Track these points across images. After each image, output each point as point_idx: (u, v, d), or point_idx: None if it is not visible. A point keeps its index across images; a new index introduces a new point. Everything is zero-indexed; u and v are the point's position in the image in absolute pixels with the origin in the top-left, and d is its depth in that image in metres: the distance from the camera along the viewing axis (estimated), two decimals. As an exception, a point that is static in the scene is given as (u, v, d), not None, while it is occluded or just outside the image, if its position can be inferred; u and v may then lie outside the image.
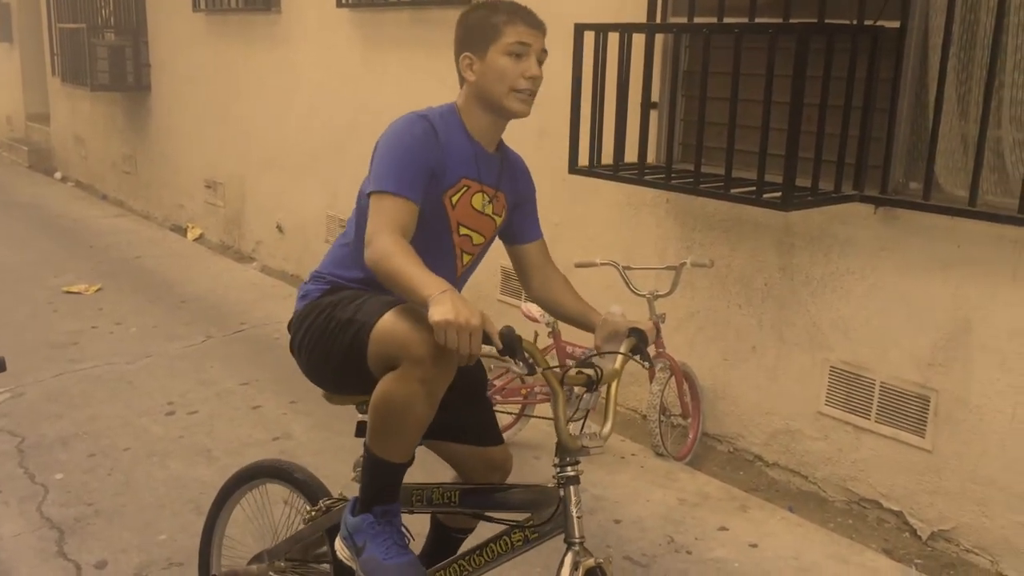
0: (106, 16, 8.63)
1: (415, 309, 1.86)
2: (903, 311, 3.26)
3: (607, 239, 4.22)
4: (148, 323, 5.50)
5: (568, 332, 3.75)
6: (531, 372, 1.78)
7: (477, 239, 2.19)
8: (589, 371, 1.89)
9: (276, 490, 2.53)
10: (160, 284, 6.39)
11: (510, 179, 2.25)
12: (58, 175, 10.60)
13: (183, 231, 7.96)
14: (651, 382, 3.81)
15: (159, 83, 8.23)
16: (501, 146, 2.24)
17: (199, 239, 7.73)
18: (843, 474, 3.52)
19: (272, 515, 2.57)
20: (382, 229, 1.93)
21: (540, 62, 2.09)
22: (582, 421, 1.91)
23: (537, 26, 2.09)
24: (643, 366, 2.12)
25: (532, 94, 2.09)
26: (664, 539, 3.25)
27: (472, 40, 2.10)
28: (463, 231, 2.15)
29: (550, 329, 3.74)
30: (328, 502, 2.31)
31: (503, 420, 3.91)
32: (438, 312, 1.68)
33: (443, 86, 4.90)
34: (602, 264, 3.75)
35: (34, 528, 3.24)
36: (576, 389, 1.93)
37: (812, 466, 3.63)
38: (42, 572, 2.98)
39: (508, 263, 5.09)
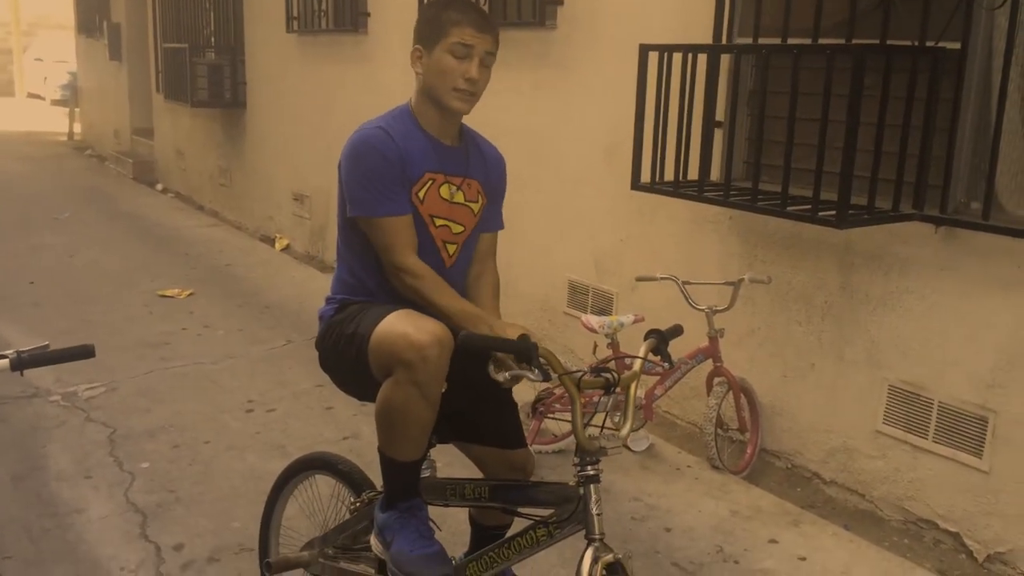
0: (207, 36, 9.08)
1: (405, 315, 2.02)
2: (963, 331, 3.25)
3: (671, 255, 4.30)
4: (234, 326, 5.80)
5: (628, 342, 3.84)
6: (547, 378, 1.86)
7: (456, 228, 2.27)
8: (605, 375, 1.96)
9: (325, 481, 2.69)
10: (247, 291, 6.71)
11: (481, 167, 2.32)
12: (159, 187, 11.16)
13: (272, 241, 8.31)
14: (708, 395, 3.86)
15: (254, 100, 8.63)
16: (466, 137, 2.32)
17: (286, 249, 8.06)
18: (900, 493, 3.51)
19: (323, 505, 2.72)
20: (398, 257, 2.12)
21: (486, 64, 2.15)
22: (602, 423, 1.99)
23: (485, 28, 2.14)
24: (663, 367, 2.19)
25: (472, 94, 2.16)
26: (713, 548, 3.30)
27: (424, 34, 2.18)
28: (439, 223, 2.23)
29: (609, 340, 3.83)
30: (370, 494, 2.43)
31: (562, 428, 4.01)
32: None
33: (520, 98, 5.07)
34: (662, 278, 3.83)
35: (121, 511, 3.49)
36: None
37: (869, 485, 3.62)
38: (125, 552, 3.22)
39: (576, 277, 5.15)
